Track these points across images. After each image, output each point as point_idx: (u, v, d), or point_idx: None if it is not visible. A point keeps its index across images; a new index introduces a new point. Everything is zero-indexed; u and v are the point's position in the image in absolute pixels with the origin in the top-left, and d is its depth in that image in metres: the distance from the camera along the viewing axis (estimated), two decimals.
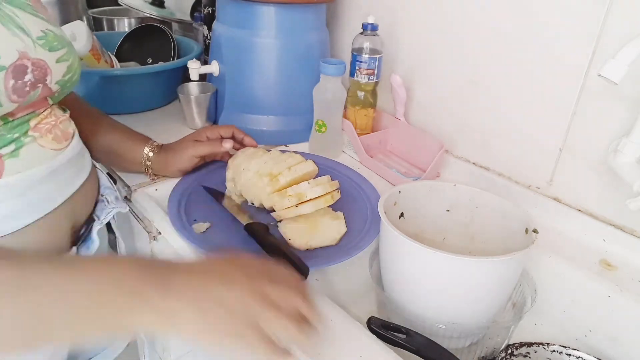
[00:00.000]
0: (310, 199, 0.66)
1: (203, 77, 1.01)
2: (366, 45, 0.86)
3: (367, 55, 0.86)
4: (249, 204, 0.72)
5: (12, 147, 0.47)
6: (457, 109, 0.85)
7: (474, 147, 0.84)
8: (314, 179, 0.69)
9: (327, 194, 0.67)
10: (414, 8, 0.88)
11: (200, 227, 0.65)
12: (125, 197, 0.73)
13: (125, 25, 1.41)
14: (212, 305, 0.40)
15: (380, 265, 0.59)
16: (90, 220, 0.61)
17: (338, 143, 0.91)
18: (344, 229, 0.66)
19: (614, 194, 0.66)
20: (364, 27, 0.86)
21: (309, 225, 0.65)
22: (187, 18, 1.29)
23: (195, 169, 0.77)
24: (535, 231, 0.54)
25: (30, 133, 0.50)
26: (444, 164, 0.86)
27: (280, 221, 0.66)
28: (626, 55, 0.51)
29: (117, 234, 0.67)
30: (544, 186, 0.75)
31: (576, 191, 0.71)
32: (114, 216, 0.64)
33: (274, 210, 0.67)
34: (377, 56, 0.87)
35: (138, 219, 0.71)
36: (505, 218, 0.59)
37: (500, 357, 0.53)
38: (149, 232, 0.69)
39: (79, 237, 0.59)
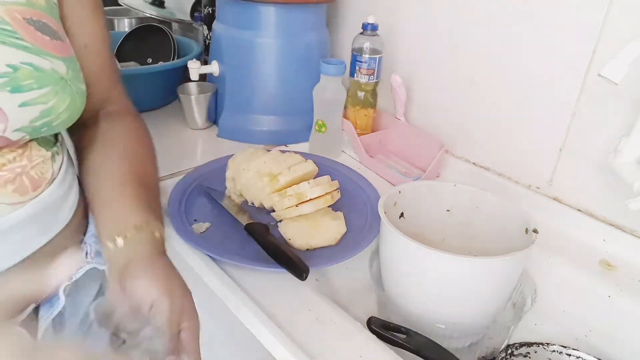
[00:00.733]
0: (310, 199, 0.66)
1: (203, 77, 1.01)
2: (366, 45, 0.86)
3: (367, 55, 0.86)
4: (249, 203, 0.72)
5: None
6: (457, 109, 0.85)
7: (474, 147, 0.84)
8: (314, 179, 0.69)
9: (327, 194, 0.67)
10: (414, 8, 0.88)
11: (200, 227, 0.66)
12: None
13: (125, 25, 1.41)
14: None
15: (380, 265, 0.59)
16: None
17: (338, 143, 0.91)
18: (344, 229, 0.66)
19: (614, 194, 0.66)
20: (364, 27, 0.86)
21: (309, 225, 0.65)
22: (187, 18, 1.29)
23: (196, 169, 0.77)
24: (535, 231, 0.54)
25: None
26: (444, 164, 0.85)
27: (280, 221, 0.66)
28: (626, 56, 0.51)
29: None
30: (544, 186, 0.75)
31: (576, 191, 0.71)
32: None
33: (274, 210, 0.67)
34: (377, 56, 0.87)
35: None
36: (505, 218, 0.59)
37: (500, 357, 0.53)
38: None
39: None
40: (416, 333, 0.50)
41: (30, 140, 0.44)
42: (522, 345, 0.54)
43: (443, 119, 0.88)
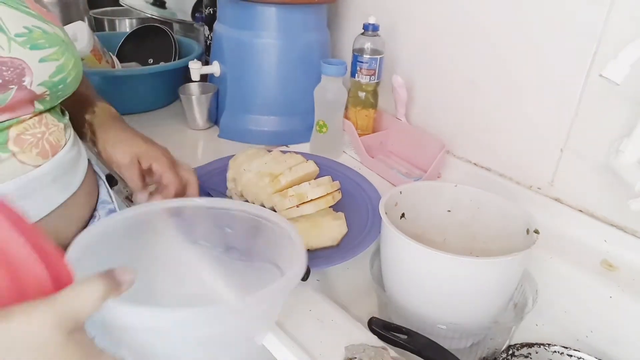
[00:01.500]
0: (311, 200, 0.66)
1: (204, 78, 1.01)
2: (367, 45, 0.86)
3: (368, 56, 0.86)
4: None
5: None
6: (458, 110, 0.85)
7: (475, 148, 0.84)
8: (315, 179, 0.69)
9: (328, 194, 0.67)
10: (415, 8, 0.88)
11: None
12: (127, 197, 0.72)
13: (126, 26, 1.41)
14: None
15: (381, 266, 0.59)
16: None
17: (339, 143, 0.91)
18: (345, 230, 0.66)
19: (615, 194, 0.66)
20: (365, 27, 0.86)
21: (310, 225, 0.65)
22: (188, 18, 1.29)
23: (196, 169, 0.77)
24: (536, 232, 0.54)
25: (9, 147, 0.45)
26: (445, 164, 0.85)
27: None
28: (628, 56, 0.51)
29: None
30: (546, 187, 0.74)
31: (577, 192, 0.71)
32: None
33: (275, 211, 0.67)
34: (378, 56, 0.87)
35: None
36: (506, 218, 0.59)
37: (501, 358, 0.53)
38: None
39: None
40: (417, 333, 0.50)
41: (45, 111, 0.50)
42: (523, 345, 0.54)
43: (444, 119, 0.88)
